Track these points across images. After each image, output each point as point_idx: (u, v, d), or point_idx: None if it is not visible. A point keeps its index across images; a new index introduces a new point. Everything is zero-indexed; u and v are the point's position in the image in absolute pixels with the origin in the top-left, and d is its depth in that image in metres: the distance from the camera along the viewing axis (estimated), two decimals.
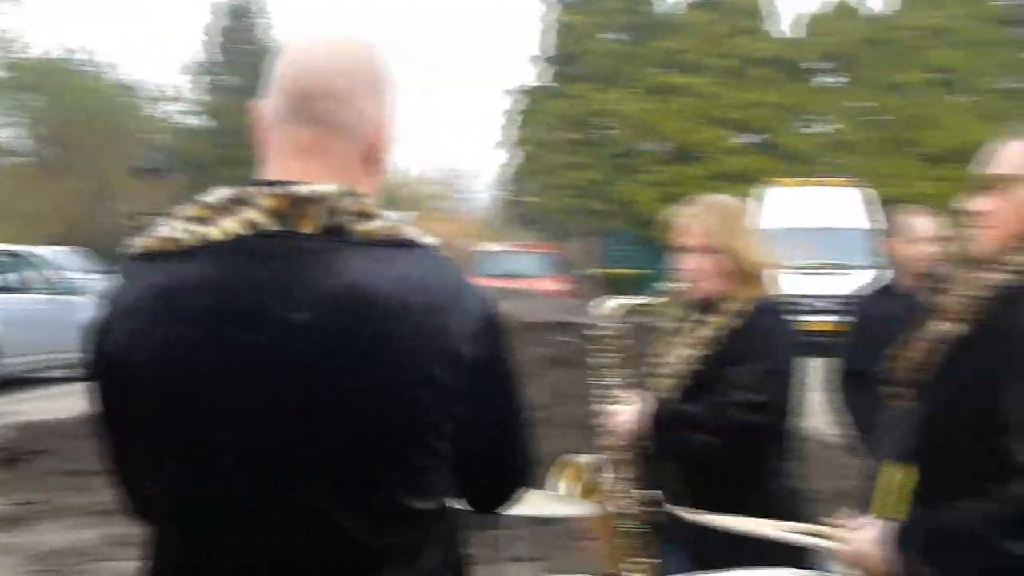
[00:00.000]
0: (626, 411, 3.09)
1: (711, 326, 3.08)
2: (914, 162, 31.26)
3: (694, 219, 3.16)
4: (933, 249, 4.59)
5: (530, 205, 37.25)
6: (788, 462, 3.14)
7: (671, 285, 3.25)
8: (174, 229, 1.51)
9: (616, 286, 21.41)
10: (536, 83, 37.02)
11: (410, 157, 52.87)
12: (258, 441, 1.47)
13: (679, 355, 3.12)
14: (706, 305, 3.12)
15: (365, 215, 1.52)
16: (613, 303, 3.22)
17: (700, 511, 2.79)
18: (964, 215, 2.29)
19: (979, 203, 2.24)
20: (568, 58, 35.82)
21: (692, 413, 3.01)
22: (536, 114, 35.95)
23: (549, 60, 36.78)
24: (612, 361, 3.17)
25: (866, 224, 19.14)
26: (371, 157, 1.63)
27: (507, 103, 38.20)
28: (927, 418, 2.25)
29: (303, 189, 1.51)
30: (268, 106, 1.62)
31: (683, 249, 3.16)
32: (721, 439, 2.96)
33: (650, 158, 34.74)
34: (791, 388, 3.07)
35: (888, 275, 4.92)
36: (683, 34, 34.54)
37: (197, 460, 1.49)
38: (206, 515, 1.51)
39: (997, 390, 2.04)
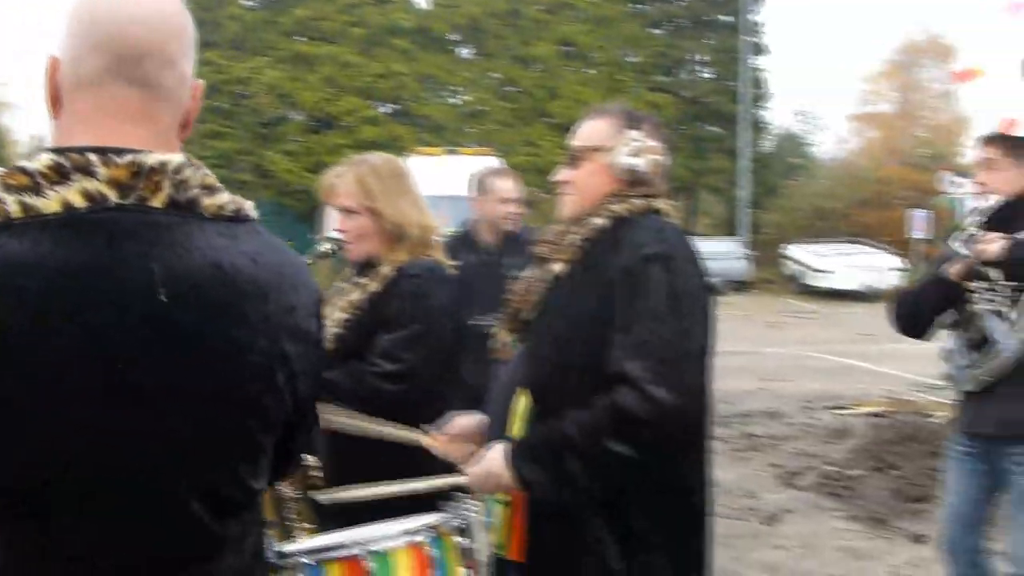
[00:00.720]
0: None
1: (359, 290, 3.06)
2: (545, 131, 32.71)
3: (339, 179, 3.13)
4: (516, 208, 5.15)
5: None
6: None
7: (320, 249, 3.22)
8: None
9: None
10: None
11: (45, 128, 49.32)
12: (110, 427, 1.33)
13: (332, 319, 3.08)
14: (363, 267, 3.10)
15: (210, 188, 1.43)
16: None
17: (349, 479, 2.78)
18: (555, 183, 2.61)
19: (563, 173, 2.58)
20: (197, 24, 34.54)
21: (330, 380, 2.95)
22: None
23: None
24: None
25: None
26: (185, 123, 1.52)
27: None
28: (534, 349, 2.53)
29: (149, 159, 1.37)
30: (73, 64, 1.43)
31: (333, 210, 3.13)
32: (358, 407, 2.93)
33: (291, 127, 34.29)
34: (445, 353, 3.07)
35: (471, 228, 5.32)
36: (319, 2, 34.23)
37: (42, 450, 1.31)
38: (49, 509, 1.33)
39: (596, 314, 2.31)
